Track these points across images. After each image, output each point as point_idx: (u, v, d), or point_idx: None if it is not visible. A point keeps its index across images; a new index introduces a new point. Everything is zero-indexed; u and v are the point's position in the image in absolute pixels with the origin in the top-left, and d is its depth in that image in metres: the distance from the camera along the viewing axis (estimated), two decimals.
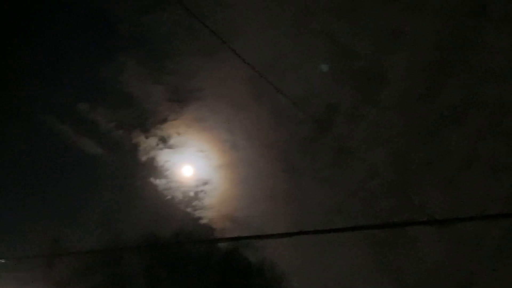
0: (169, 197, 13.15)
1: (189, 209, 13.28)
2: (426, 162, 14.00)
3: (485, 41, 13.07)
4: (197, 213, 13.29)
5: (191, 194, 13.30)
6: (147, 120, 12.96)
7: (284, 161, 13.83)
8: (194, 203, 13.31)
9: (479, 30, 13.07)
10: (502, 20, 12.96)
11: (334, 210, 13.63)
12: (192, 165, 13.47)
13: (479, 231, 12.94)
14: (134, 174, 13.24)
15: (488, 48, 13.05)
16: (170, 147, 13.15)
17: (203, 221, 13.30)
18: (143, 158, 13.15)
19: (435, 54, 13.26)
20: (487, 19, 13.00)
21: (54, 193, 12.14)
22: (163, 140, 13.12)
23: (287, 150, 13.81)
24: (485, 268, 12.86)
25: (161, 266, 11.68)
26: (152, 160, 13.15)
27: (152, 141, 13.08)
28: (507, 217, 8.60)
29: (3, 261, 9.53)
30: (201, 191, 13.36)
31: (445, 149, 13.93)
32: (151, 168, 13.16)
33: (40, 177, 12.35)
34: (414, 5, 13.02)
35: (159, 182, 13.11)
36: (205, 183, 13.38)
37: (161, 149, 13.13)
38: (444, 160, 14.09)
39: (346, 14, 13.11)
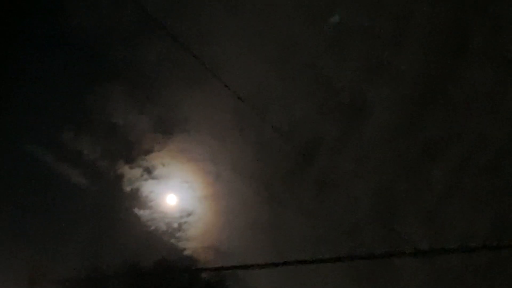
0: (152, 227, 13.13)
1: (172, 240, 13.26)
2: (409, 195, 14.12)
3: (466, 76, 13.32)
4: (181, 244, 13.29)
5: (175, 225, 13.31)
6: (132, 151, 12.97)
7: (268, 193, 13.88)
8: (178, 234, 13.30)
9: (461, 65, 13.33)
10: (484, 55, 13.24)
11: (317, 241, 13.64)
12: (177, 196, 13.50)
13: (462, 263, 13.02)
14: (117, 205, 13.18)
15: (469, 82, 13.30)
16: (154, 177, 13.17)
17: (187, 252, 13.30)
18: (127, 189, 13.13)
19: (417, 88, 13.49)
20: (469, 54, 13.27)
21: (35, 222, 12.04)
22: (148, 171, 13.14)
23: (271, 182, 13.86)
24: None
25: None
26: (136, 190, 13.15)
27: (137, 171, 13.10)
28: (489, 250, 8.71)
29: None
30: (185, 222, 13.36)
31: (427, 182, 14.07)
32: (135, 199, 13.14)
33: (21, 205, 12.23)
34: (396, 41, 13.27)
35: (143, 213, 13.09)
36: (189, 214, 13.39)
37: (146, 179, 13.15)
38: (426, 193, 14.22)
39: (330, 48, 13.31)
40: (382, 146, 13.93)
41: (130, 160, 13.15)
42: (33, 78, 12.21)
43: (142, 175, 13.14)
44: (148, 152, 13.17)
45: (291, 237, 13.88)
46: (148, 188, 13.18)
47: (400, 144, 13.87)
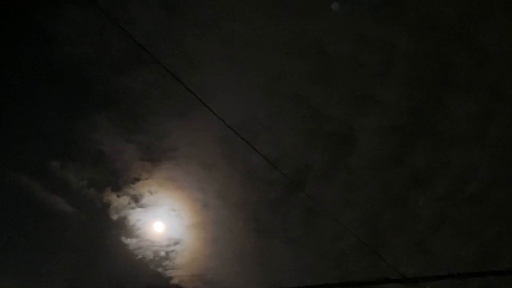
0: (139, 256, 13.12)
1: (159, 269, 13.26)
2: (395, 224, 14.20)
3: (452, 107, 13.47)
4: (168, 273, 13.30)
5: (162, 253, 13.31)
6: (119, 179, 12.98)
7: (255, 221, 13.92)
8: (165, 263, 13.31)
9: (447, 96, 13.49)
10: (469, 88, 13.41)
11: (304, 270, 13.67)
12: (164, 224, 13.51)
13: None
14: (104, 233, 13.19)
15: (455, 113, 13.44)
16: (142, 206, 13.18)
17: (174, 281, 13.31)
18: (114, 217, 13.14)
19: (403, 118, 13.62)
20: (454, 85, 13.42)
21: (20, 249, 12.03)
22: (135, 199, 13.16)
23: (258, 210, 13.91)
24: None
25: None
26: (123, 219, 13.16)
27: (124, 200, 13.10)
28: (477, 276, 8.77)
29: None
30: (172, 250, 13.36)
31: (414, 212, 14.16)
32: (122, 227, 13.16)
33: (7, 233, 12.22)
34: (382, 71, 13.43)
35: (130, 241, 13.09)
36: (176, 243, 13.40)
37: (133, 208, 13.16)
38: (413, 221, 14.30)
39: (318, 79, 13.44)
40: (369, 175, 14.03)
41: (117, 188, 13.18)
42: (19, 106, 12.27)
43: (129, 203, 13.16)
44: (136, 180, 13.20)
45: (279, 265, 13.90)
46: (136, 216, 13.20)
47: (387, 173, 13.98)
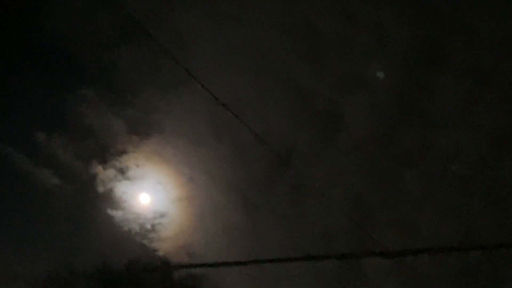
0: (125, 228, 13.18)
1: (145, 241, 13.32)
2: (381, 202, 14.29)
3: (440, 87, 13.54)
4: (154, 245, 13.33)
5: (148, 226, 13.35)
6: (106, 152, 13.03)
7: (241, 197, 14.00)
8: (150, 235, 13.36)
9: (435, 77, 13.54)
10: (457, 70, 13.46)
11: (289, 245, 13.77)
12: (150, 197, 13.54)
13: (433, 266, 13.17)
14: (90, 205, 13.22)
15: (443, 94, 13.51)
16: (128, 179, 13.23)
17: (159, 253, 13.34)
18: (101, 189, 13.19)
19: (392, 98, 13.68)
20: (442, 68, 13.47)
21: (6, 219, 12.10)
22: (122, 172, 13.20)
23: (245, 186, 13.99)
24: None
25: None
26: (109, 191, 13.20)
27: (110, 172, 13.15)
28: (460, 251, 8.93)
29: None
30: (158, 223, 13.42)
31: (400, 190, 14.25)
32: (109, 200, 13.18)
33: None
34: (372, 52, 13.47)
35: (116, 214, 13.14)
36: (162, 215, 13.45)
37: (119, 180, 13.20)
38: (399, 200, 14.40)
39: (307, 58, 13.49)
40: (357, 154, 14.11)
41: (104, 161, 13.22)
42: (8, 80, 12.29)
43: (115, 176, 13.21)
44: (122, 153, 13.25)
45: (264, 239, 14.01)
46: (122, 189, 13.24)
47: (374, 152, 14.06)
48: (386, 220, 14.22)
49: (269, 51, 13.34)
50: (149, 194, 13.57)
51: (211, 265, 10.41)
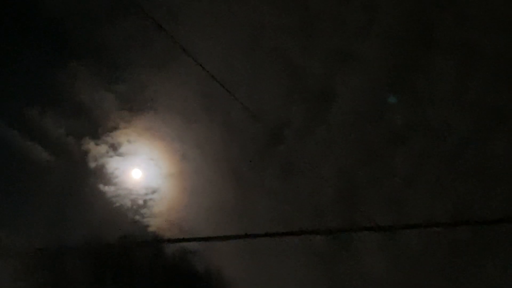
0: (117, 204, 13.24)
1: (137, 217, 13.40)
2: (371, 179, 14.40)
3: (431, 66, 13.59)
4: (145, 221, 13.43)
5: (140, 201, 13.41)
6: (97, 128, 13.05)
7: (233, 173, 14.08)
8: (142, 211, 13.43)
9: (426, 55, 13.58)
10: (448, 47, 13.49)
11: (281, 221, 13.87)
12: (142, 173, 13.60)
13: (422, 244, 13.33)
14: (82, 181, 13.26)
15: (433, 72, 13.56)
16: (120, 154, 13.26)
17: (151, 229, 13.44)
18: (92, 165, 13.23)
19: (383, 76, 13.73)
20: (433, 45, 13.50)
21: None
22: (113, 148, 13.23)
23: (237, 162, 14.06)
24: (427, 283, 13.26)
25: (105, 270, 11.70)
26: (101, 167, 13.23)
27: (102, 148, 13.17)
28: (450, 227, 9.04)
29: None
30: (150, 199, 13.49)
31: (391, 167, 14.35)
32: (100, 175, 13.22)
33: None
34: (363, 29, 13.48)
35: (107, 189, 13.19)
36: (154, 191, 13.52)
37: (111, 156, 13.23)
38: (389, 177, 14.50)
39: (298, 34, 13.49)
40: (348, 131, 14.18)
41: (96, 136, 13.23)
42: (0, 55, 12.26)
43: (107, 152, 13.24)
44: (114, 129, 13.27)
45: (255, 215, 14.10)
46: (114, 164, 13.28)
47: (366, 129, 14.12)
48: (377, 195, 14.33)
49: (262, 27, 13.36)
50: (141, 170, 13.64)
51: (203, 239, 10.46)
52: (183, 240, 10.92)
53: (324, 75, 13.85)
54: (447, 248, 13.30)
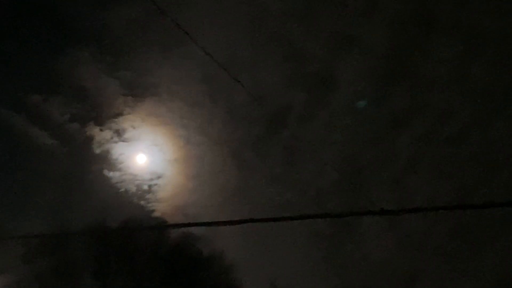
0: (122, 189, 13.31)
1: (142, 202, 13.48)
2: (374, 163, 14.46)
3: (432, 49, 13.60)
4: (150, 206, 13.50)
5: (145, 187, 13.47)
6: (102, 114, 13.08)
7: (236, 158, 14.14)
8: (147, 196, 13.51)
9: (427, 38, 13.59)
10: (450, 30, 13.49)
11: (284, 205, 13.96)
12: (146, 159, 13.63)
13: (424, 228, 13.43)
14: (87, 166, 13.33)
15: (435, 56, 13.58)
16: (124, 140, 13.29)
17: (156, 213, 13.53)
18: (97, 151, 13.27)
19: (385, 59, 13.73)
20: (435, 28, 13.49)
21: (2, 180, 12.17)
22: (118, 133, 13.26)
23: (240, 147, 14.12)
24: (428, 266, 13.37)
25: (109, 255, 11.79)
26: (106, 152, 13.28)
27: (107, 134, 13.21)
28: (452, 210, 9.08)
29: None
30: (155, 184, 13.55)
31: (392, 151, 14.41)
32: (105, 161, 13.28)
33: None
34: (365, 13, 13.47)
35: (112, 175, 13.25)
36: (158, 177, 13.57)
37: (116, 142, 13.26)
38: (391, 161, 14.57)
39: (300, 18, 13.47)
40: (350, 115, 14.21)
41: (100, 122, 13.26)
42: (3, 41, 12.29)
43: (112, 138, 13.27)
44: (118, 115, 13.29)
45: (259, 200, 14.18)
46: (118, 150, 13.32)
47: (367, 114, 14.15)
48: (380, 179, 14.40)
49: (263, 12, 13.31)
50: (146, 156, 13.69)
51: (207, 224, 10.47)
52: (187, 224, 10.91)
53: (327, 59, 13.87)
54: (449, 232, 13.40)
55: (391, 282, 13.47)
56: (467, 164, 13.88)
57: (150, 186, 13.52)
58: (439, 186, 14.03)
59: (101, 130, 13.23)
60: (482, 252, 12.91)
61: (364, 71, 13.74)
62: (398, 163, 14.41)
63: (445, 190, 13.96)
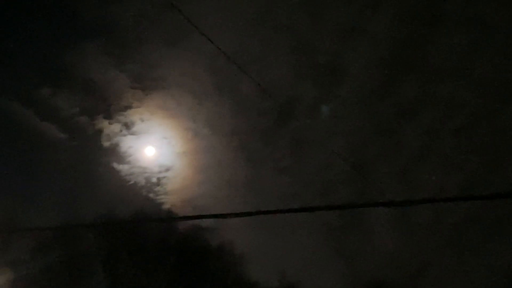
0: (131, 182, 13.35)
1: (151, 195, 13.52)
2: (382, 154, 14.48)
3: (440, 40, 13.55)
4: (159, 199, 13.54)
5: (154, 179, 13.51)
6: (110, 107, 13.12)
7: (244, 150, 14.18)
8: (156, 189, 13.54)
9: (435, 30, 13.54)
10: (458, 22, 13.45)
11: (292, 197, 14.01)
12: (155, 151, 13.68)
13: (433, 219, 13.43)
14: (96, 159, 13.39)
15: (443, 47, 13.54)
16: (133, 133, 13.33)
17: (165, 206, 13.56)
18: (106, 144, 13.32)
19: (393, 51, 13.72)
20: (443, 20, 13.46)
21: (14, 173, 12.21)
22: (127, 126, 13.30)
23: (248, 139, 14.14)
24: (436, 257, 13.38)
25: (119, 246, 11.88)
26: (115, 145, 13.32)
27: (116, 127, 13.25)
28: (462, 201, 9.07)
29: None
30: (164, 177, 13.59)
31: (401, 142, 14.41)
32: (114, 154, 13.33)
33: (0, 157, 12.37)
34: (373, 4, 13.44)
35: (122, 168, 13.30)
36: (167, 169, 13.61)
37: (125, 135, 13.30)
38: (398, 152, 14.58)
39: (308, 10, 13.44)
40: (358, 106, 14.21)
41: (109, 115, 13.31)
42: (11, 36, 12.32)
43: (121, 131, 13.30)
44: (127, 108, 13.32)
45: (267, 192, 14.23)
46: (127, 143, 13.35)
47: (375, 105, 14.15)
48: (388, 171, 14.40)
49: (271, 5, 13.31)
50: (155, 148, 13.74)
51: (216, 216, 10.49)
52: (196, 217, 10.90)
53: (334, 50, 13.85)
54: (458, 223, 13.39)
55: (401, 273, 13.53)
56: (475, 155, 13.86)
57: (159, 178, 13.57)
58: (448, 177, 14.02)
59: (110, 123, 13.30)
60: (491, 242, 12.89)
61: (372, 62, 13.72)
62: (406, 154, 14.40)
63: (454, 181, 13.95)
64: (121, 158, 13.34)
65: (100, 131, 13.30)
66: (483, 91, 13.54)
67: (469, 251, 13.09)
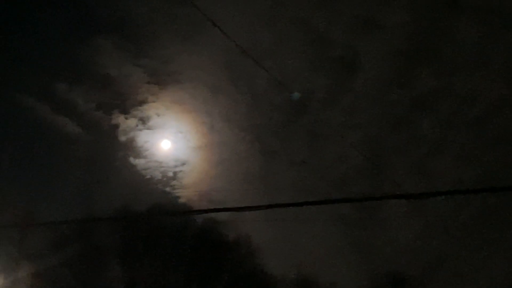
0: (148, 176, 13.50)
1: (167, 189, 13.67)
2: (398, 147, 14.48)
3: (456, 32, 13.47)
4: (176, 193, 13.68)
5: (170, 174, 13.65)
6: (126, 102, 13.25)
7: (260, 144, 14.23)
8: (172, 183, 13.69)
9: (451, 22, 13.47)
10: (474, 13, 13.35)
11: (307, 190, 14.05)
12: (171, 146, 13.79)
13: (450, 211, 13.35)
14: (113, 153, 13.54)
15: (459, 39, 13.46)
16: (149, 128, 13.45)
17: (181, 200, 13.67)
18: (123, 138, 13.46)
19: (408, 43, 13.69)
20: (459, 11, 13.40)
21: (31, 168, 12.41)
22: (143, 121, 13.43)
23: (263, 133, 14.20)
24: (454, 250, 13.34)
25: (136, 240, 11.96)
26: (131, 140, 13.47)
27: (132, 122, 13.38)
28: (477, 193, 9.01)
29: None
30: (180, 171, 13.71)
31: (416, 135, 14.37)
32: (131, 148, 13.48)
33: (18, 152, 12.69)
34: None
35: (138, 162, 13.44)
36: (183, 164, 13.72)
37: (141, 130, 13.44)
38: (415, 145, 14.54)
39: (323, 3, 13.45)
40: (373, 99, 14.21)
41: (125, 110, 13.47)
42: (28, 31, 12.40)
43: (137, 125, 13.44)
44: (143, 102, 13.45)
45: (282, 186, 14.26)
46: (143, 138, 13.49)
47: (390, 98, 14.13)
48: (404, 163, 14.39)
49: None
50: (170, 143, 13.84)
51: (232, 209, 10.57)
52: (212, 210, 10.97)
53: (349, 43, 13.87)
54: (475, 215, 13.33)
55: (418, 265, 13.49)
56: (492, 147, 13.80)
57: (175, 172, 13.70)
58: (464, 169, 13.97)
59: (126, 118, 13.42)
60: (509, 234, 12.81)
61: (387, 55, 13.74)
62: (422, 146, 14.38)
63: (470, 173, 13.90)
64: (137, 152, 13.49)
65: (116, 126, 13.47)
66: (500, 82, 13.46)
67: (487, 243, 13.04)
